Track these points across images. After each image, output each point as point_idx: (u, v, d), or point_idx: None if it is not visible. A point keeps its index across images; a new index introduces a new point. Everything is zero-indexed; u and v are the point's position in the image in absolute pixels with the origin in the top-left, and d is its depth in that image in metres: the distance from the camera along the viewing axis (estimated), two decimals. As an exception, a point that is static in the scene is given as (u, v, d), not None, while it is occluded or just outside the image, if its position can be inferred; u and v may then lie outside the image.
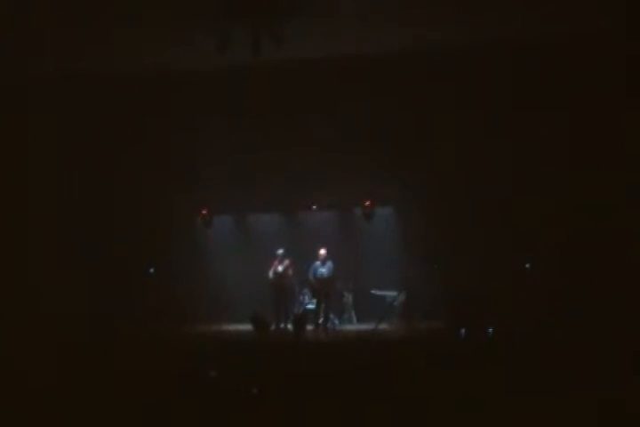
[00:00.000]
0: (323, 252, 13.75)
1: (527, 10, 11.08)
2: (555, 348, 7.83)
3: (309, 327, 13.07)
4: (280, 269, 13.75)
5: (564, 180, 12.62)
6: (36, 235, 13.60)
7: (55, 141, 13.63)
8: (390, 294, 13.81)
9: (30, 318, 11.15)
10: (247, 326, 12.57)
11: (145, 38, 11.91)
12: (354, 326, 13.93)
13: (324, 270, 13.67)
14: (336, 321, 14.02)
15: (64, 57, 12.68)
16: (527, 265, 12.76)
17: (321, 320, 13.58)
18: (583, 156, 12.35)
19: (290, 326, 13.17)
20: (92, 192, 14.22)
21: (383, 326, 12.86)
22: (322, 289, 13.64)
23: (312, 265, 13.81)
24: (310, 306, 14.08)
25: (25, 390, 6.62)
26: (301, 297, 14.36)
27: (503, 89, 12.72)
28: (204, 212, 15.29)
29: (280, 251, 13.82)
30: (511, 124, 12.97)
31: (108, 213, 14.23)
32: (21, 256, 13.29)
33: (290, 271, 13.81)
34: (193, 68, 13.32)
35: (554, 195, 12.66)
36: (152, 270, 14.07)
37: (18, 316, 11.26)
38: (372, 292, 14.16)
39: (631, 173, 11.80)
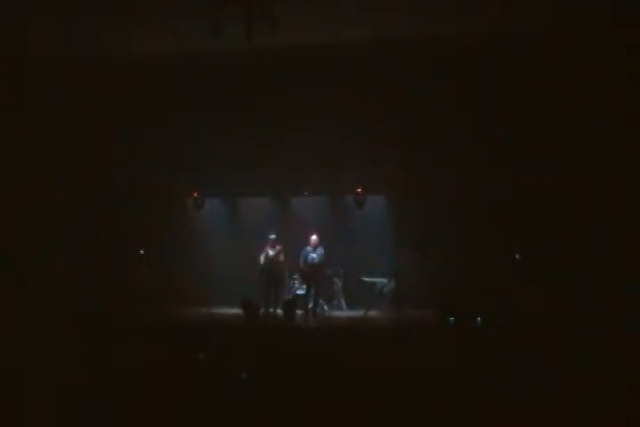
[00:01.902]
0: (314, 238, 13.74)
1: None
2: (546, 339, 7.89)
3: (299, 312, 13.12)
4: (271, 253, 13.73)
5: (559, 173, 12.60)
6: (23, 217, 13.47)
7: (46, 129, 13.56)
8: (380, 281, 13.84)
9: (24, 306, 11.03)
10: (237, 310, 12.65)
11: (136, 24, 11.80)
12: (343, 313, 13.97)
13: (314, 256, 13.66)
14: (325, 307, 14.06)
15: (54, 44, 12.57)
16: (517, 256, 12.79)
17: (310, 306, 13.60)
18: (578, 150, 12.32)
19: (279, 311, 13.20)
20: (85, 175, 14.15)
21: (372, 312, 12.92)
22: (312, 275, 13.66)
23: (303, 251, 13.82)
24: (300, 291, 14.11)
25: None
26: (291, 282, 14.38)
27: (499, 82, 12.67)
28: (195, 194, 15.23)
29: (272, 236, 13.80)
30: (504, 116, 12.95)
31: (101, 194, 14.17)
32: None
33: (281, 256, 13.79)
34: (185, 53, 13.18)
35: (547, 187, 12.65)
36: (142, 251, 14.02)
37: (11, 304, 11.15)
38: (362, 279, 14.19)
39: (627, 169, 11.73)
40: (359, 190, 14.48)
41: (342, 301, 14.38)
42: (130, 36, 12.32)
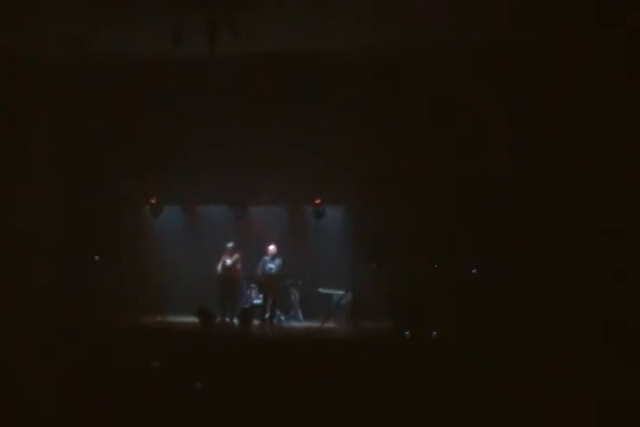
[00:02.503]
0: (272, 247, 13.73)
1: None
2: (499, 351, 7.95)
3: (255, 322, 13.03)
4: (229, 262, 13.66)
5: (519, 183, 12.69)
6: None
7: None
8: (337, 292, 13.84)
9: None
10: (192, 319, 12.49)
11: (97, 25, 11.60)
12: (300, 323, 13.92)
13: (272, 266, 13.64)
14: (282, 317, 13.99)
15: (17, 42, 12.32)
16: (474, 270, 12.90)
17: (267, 316, 13.54)
18: (541, 160, 12.41)
19: (235, 320, 13.10)
20: (43, 178, 13.87)
21: (329, 324, 12.90)
22: (269, 285, 13.60)
23: (261, 260, 13.75)
24: (257, 301, 14.04)
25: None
26: (248, 292, 14.29)
27: (474, 90, 12.73)
28: (152, 201, 15.02)
29: (230, 244, 13.71)
30: (466, 124, 13.06)
31: (57, 199, 13.89)
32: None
33: (238, 265, 13.72)
34: (145, 58, 13.00)
35: (505, 199, 12.74)
36: (97, 258, 13.79)
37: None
38: (320, 290, 14.16)
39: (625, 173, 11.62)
40: (318, 201, 14.50)
41: (299, 311, 14.34)
42: (91, 38, 12.13)
